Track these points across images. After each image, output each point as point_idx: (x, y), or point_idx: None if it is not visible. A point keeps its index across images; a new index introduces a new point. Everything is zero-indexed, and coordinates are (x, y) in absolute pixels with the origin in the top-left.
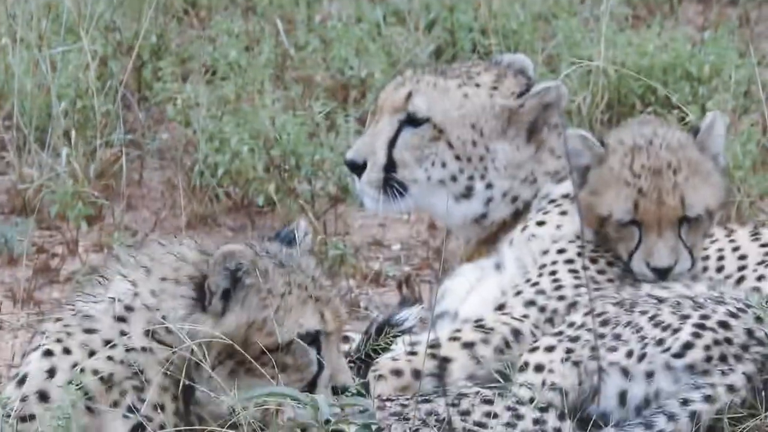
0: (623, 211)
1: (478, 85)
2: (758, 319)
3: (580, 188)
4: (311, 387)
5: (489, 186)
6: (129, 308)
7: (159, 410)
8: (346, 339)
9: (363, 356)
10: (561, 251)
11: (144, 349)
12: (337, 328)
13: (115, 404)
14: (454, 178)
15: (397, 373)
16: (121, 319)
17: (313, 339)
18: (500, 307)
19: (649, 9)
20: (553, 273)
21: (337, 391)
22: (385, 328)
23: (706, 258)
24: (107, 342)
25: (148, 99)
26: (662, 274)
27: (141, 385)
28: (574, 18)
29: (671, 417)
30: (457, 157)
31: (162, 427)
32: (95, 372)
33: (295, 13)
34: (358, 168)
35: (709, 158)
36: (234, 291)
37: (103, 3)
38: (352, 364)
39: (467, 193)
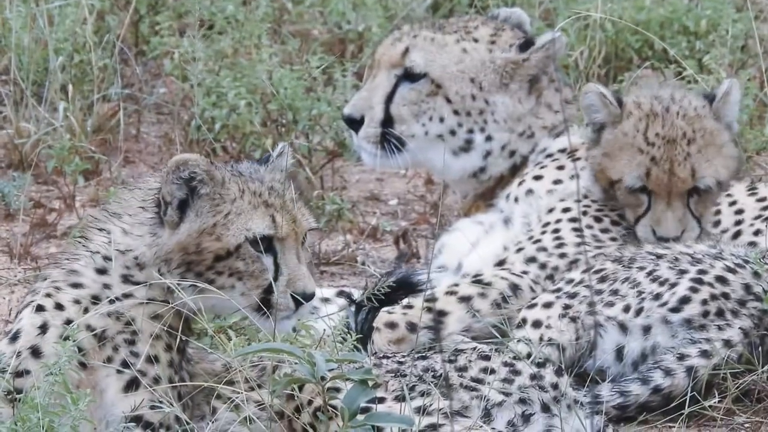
0: (634, 177)
1: (476, 40)
2: (756, 275)
3: (594, 146)
4: (268, 293)
5: (488, 139)
6: (107, 258)
7: (153, 362)
8: (343, 294)
9: (372, 302)
10: (566, 210)
11: (126, 296)
12: (295, 234)
13: (109, 360)
14: (453, 132)
15: (392, 325)
16: (102, 272)
17: (268, 245)
18: (500, 263)
19: None
20: (556, 231)
21: (298, 298)
22: (403, 284)
23: None
24: (94, 297)
25: (145, 53)
26: (667, 242)
27: (132, 337)
28: None
29: (668, 372)
30: (456, 112)
31: (156, 380)
32: (88, 328)
33: None
34: (355, 123)
35: (724, 127)
36: (192, 201)
37: None
38: (357, 310)
39: (467, 147)
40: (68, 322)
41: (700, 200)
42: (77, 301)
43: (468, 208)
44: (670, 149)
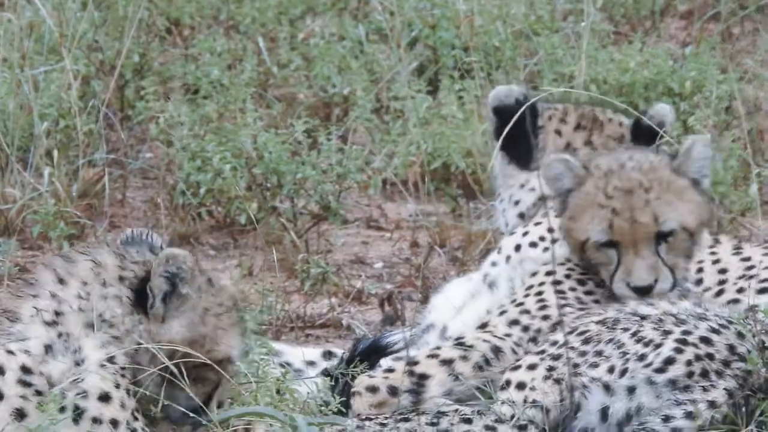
0: (598, 232)
1: None
2: (740, 335)
3: (561, 214)
4: (209, 399)
5: None
6: (59, 313)
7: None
8: (329, 354)
9: (346, 375)
10: (549, 273)
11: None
12: None
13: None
14: None
15: (373, 389)
16: (53, 324)
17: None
18: (483, 326)
19: (631, 25)
20: (539, 293)
21: (221, 404)
22: (373, 349)
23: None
24: (47, 346)
25: (130, 118)
26: (644, 293)
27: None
28: (556, 34)
29: None
30: None
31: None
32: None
33: (278, 32)
34: None
35: (686, 179)
36: (172, 296)
37: (85, 22)
38: (333, 382)
39: None
40: (24, 366)
41: (670, 248)
42: (27, 350)
43: None
44: (629, 199)
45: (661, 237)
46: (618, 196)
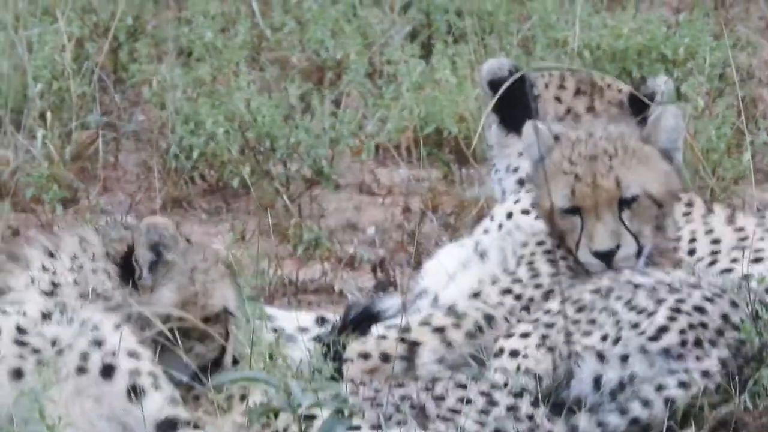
0: (561, 197)
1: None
2: (734, 304)
3: (533, 182)
4: (222, 352)
5: None
6: (55, 284)
7: None
8: (322, 320)
9: (338, 341)
10: (540, 243)
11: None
12: None
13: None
14: None
15: (365, 356)
16: (51, 294)
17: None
18: (475, 295)
19: None
20: (530, 263)
21: (237, 360)
22: (365, 316)
23: (678, 239)
24: (44, 313)
25: (123, 81)
26: (606, 259)
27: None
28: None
29: (646, 403)
30: None
31: None
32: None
33: None
34: None
35: (653, 148)
36: (157, 264)
37: None
38: (326, 348)
39: None
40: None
41: (634, 215)
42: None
43: None
44: (592, 165)
45: (625, 203)
46: (581, 162)
